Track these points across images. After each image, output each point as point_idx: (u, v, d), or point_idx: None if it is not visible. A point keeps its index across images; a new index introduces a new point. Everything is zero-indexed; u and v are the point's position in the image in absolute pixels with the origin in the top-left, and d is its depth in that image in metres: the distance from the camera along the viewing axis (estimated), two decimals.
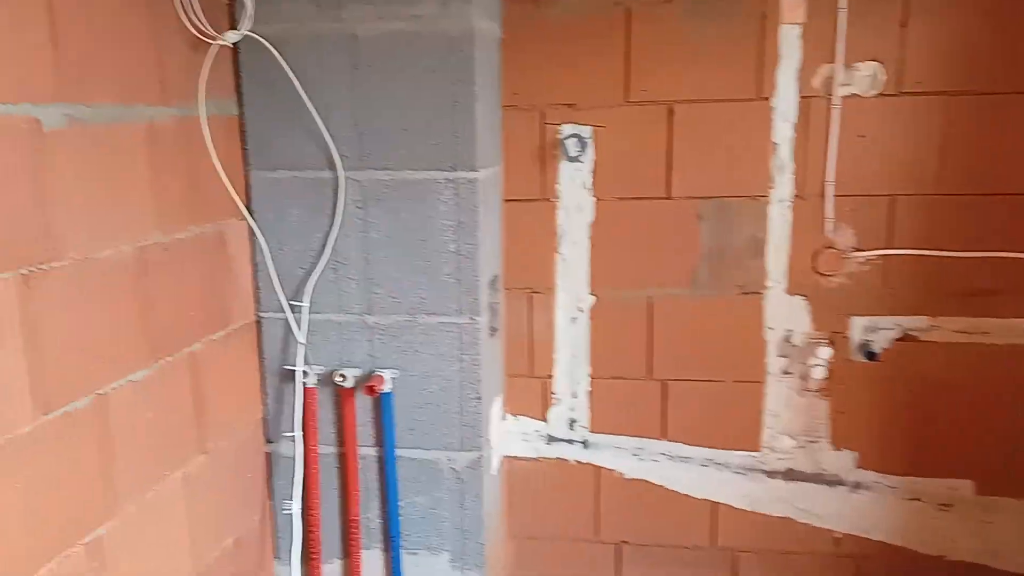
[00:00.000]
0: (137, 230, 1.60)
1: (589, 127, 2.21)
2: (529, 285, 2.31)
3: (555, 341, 2.32)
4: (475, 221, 1.95)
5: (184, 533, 1.76)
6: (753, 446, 2.29)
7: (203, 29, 1.77)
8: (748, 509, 2.32)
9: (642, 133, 2.19)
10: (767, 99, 2.13)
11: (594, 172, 2.23)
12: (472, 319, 1.99)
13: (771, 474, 2.30)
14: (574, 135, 2.21)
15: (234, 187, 1.94)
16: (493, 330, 2.19)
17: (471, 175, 1.93)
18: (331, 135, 1.94)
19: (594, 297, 2.29)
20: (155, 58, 1.66)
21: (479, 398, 2.02)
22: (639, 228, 2.24)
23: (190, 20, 1.74)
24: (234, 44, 1.88)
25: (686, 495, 2.34)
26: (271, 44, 1.89)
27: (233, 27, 1.85)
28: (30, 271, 1.33)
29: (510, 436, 2.36)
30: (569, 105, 2.21)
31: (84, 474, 1.46)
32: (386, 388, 2.00)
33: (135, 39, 1.59)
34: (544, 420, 2.36)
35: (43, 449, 1.36)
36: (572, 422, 2.35)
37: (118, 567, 1.54)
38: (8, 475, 1.29)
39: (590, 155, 2.22)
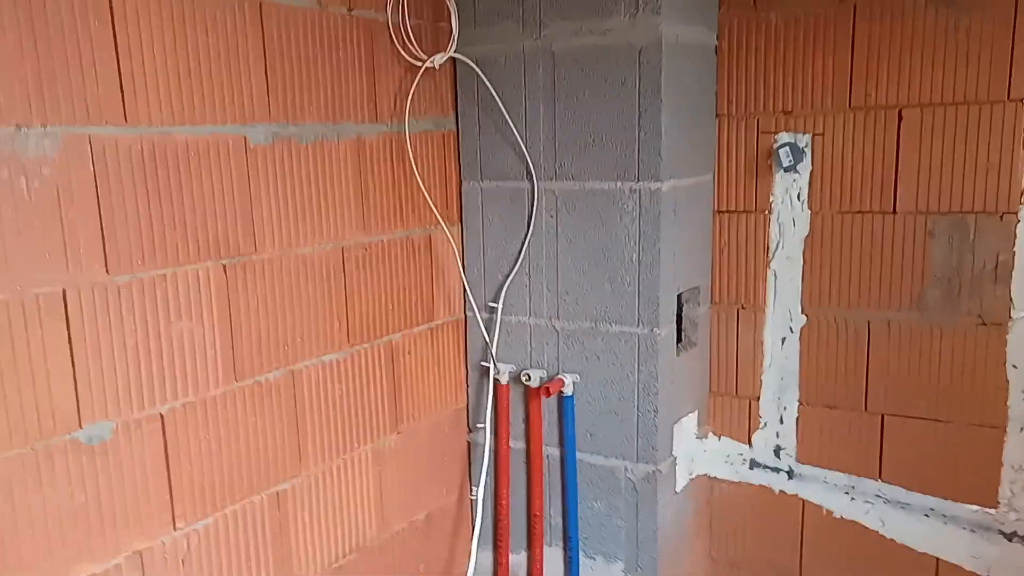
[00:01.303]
0: (339, 232, 1.84)
1: (806, 135, 2.08)
2: (737, 300, 2.22)
3: (763, 361, 2.21)
4: (657, 232, 1.94)
5: (371, 500, 1.98)
6: (989, 501, 1.99)
7: (414, 53, 1.98)
8: (980, 573, 2.02)
9: (865, 141, 2.01)
10: (1022, 101, 1.84)
11: (810, 183, 2.09)
12: (652, 330, 1.98)
13: (1010, 536, 1.97)
14: (789, 144, 2.09)
15: (449, 195, 2.14)
16: (691, 344, 2.15)
17: (654, 186, 1.93)
18: (529, 146, 2.05)
19: (806, 317, 2.14)
20: (367, 80, 1.89)
21: (656, 411, 2.00)
22: (859, 244, 2.05)
23: (403, 45, 1.96)
24: (453, 64, 2.08)
25: (904, 546, 2.09)
26: (478, 64, 2.05)
27: (442, 50, 2.04)
28: (231, 261, 1.61)
29: (711, 455, 2.29)
30: (786, 112, 2.10)
31: (271, 435, 1.72)
32: (567, 391, 2.06)
33: (348, 65, 1.83)
34: (748, 443, 2.26)
35: (233, 410, 1.64)
36: (778, 449, 2.22)
37: (299, 518, 1.79)
38: (200, 427, 1.58)
39: (807, 165, 2.09)
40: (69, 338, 1.34)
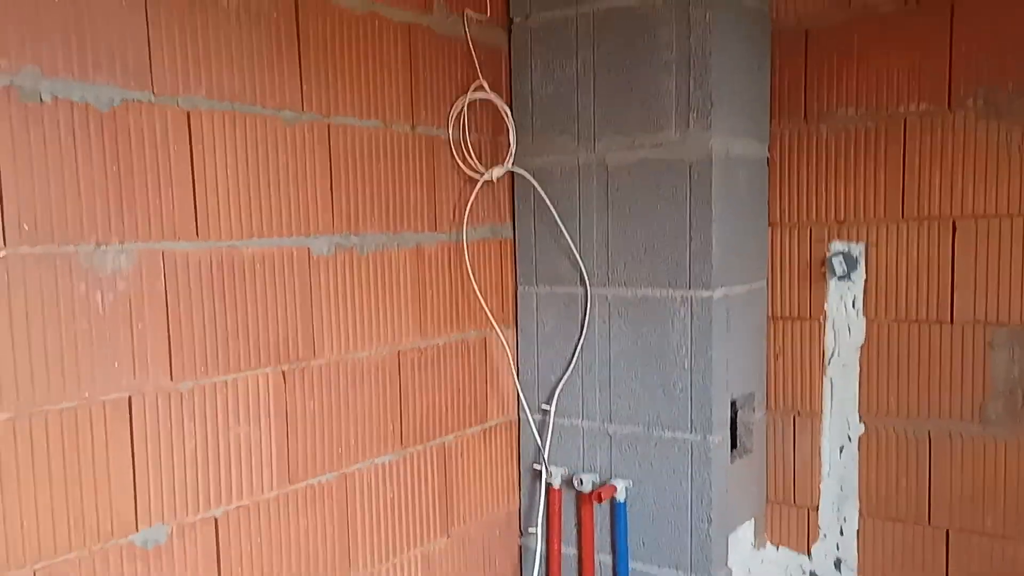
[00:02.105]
0: (396, 336, 1.87)
1: (860, 244, 2.05)
2: (793, 406, 2.16)
3: (821, 470, 2.13)
4: (709, 340, 1.91)
5: None
6: None
7: (473, 166, 2.03)
8: None
9: (919, 250, 1.97)
10: None
11: (865, 291, 2.05)
12: (705, 437, 1.94)
13: None
14: (842, 252, 2.06)
15: (506, 299, 2.16)
16: (746, 451, 2.09)
17: (706, 294, 1.91)
18: (583, 253, 2.07)
19: (864, 425, 2.06)
20: (427, 192, 1.94)
21: (710, 520, 1.94)
22: (916, 353, 1.99)
23: (462, 159, 2.02)
24: (511, 174, 2.13)
25: None
26: (534, 175, 2.10)
27: (501, 163, 2.09)
28: (291, 367, 1.65)
29: (768, 566, 2.19)
30: (839, 221, 2.07)
31: (321, 538, 1.72)
32: (619, 497, 2.02)
33: (409, 178, 1.89)
34: (807, 554, 2.16)
35: (285, 513, 1.64)
36: (838, 562, 2.11)
37: None
38: (252, 531, 1.58)
39: (861, 273, 2.05)
40: (132, 443, 1.37)
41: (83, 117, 1.30)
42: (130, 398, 1.37)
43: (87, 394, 1.31)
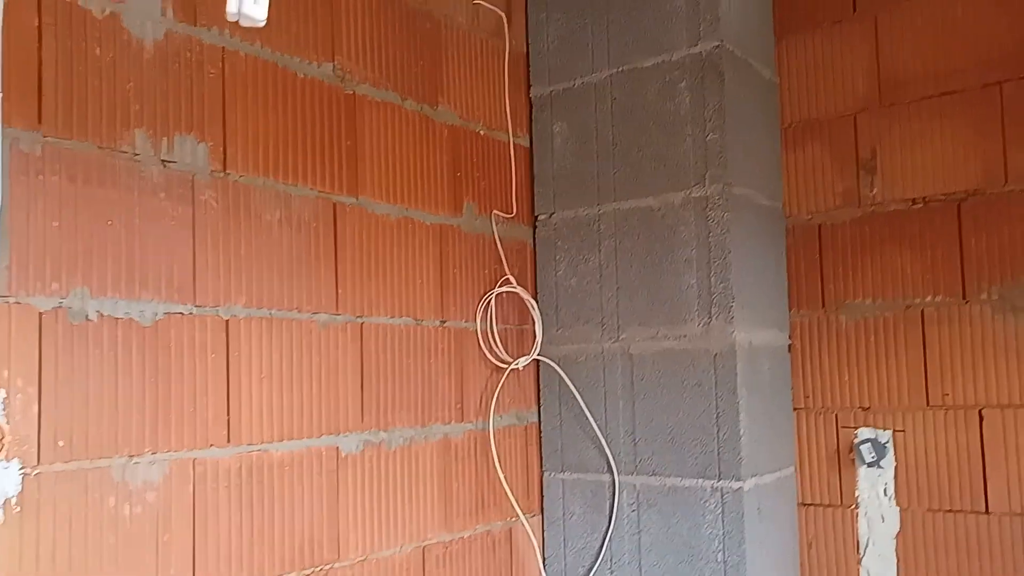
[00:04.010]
0: (421, 531, 1.78)
1: (887, 431, 1.96)
2: None
3: None
4: (741, 531, 1.80)
5: None
6: None
7: (500, 356, 2.01)
8: None
9: (948, 438, 1.88)
10: None
11: (896, 478, 1.94)
12: None
13: None
14: (870, 439, 1.97)
15: (531, 486, 2.07)
16: None
17: (736, 485, 1.82)
18: (609, 441, 2.00)
19: None
20: (455, 384, 1.91)
21: None
22: (954, 544, 1.86)
23: (489, 350, 1.99)
24: (536, 362, 2.09)
25: None
26: (559, 363, 2.06)
27: (527, 352, 2.07)
28: (315, 570, 1.56)
29: None
30: (864, 408, 2.00)
31: None
32: None
33: (438, 371, 1.87)
34: None
35: None
36: None
37: None
38: None
39: (890, 460, 1.95)
40: None
41: (127, 332, 1.30)
42: None
43: None
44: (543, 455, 2.12)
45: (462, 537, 1.88)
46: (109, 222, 1.30)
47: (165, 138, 1.38)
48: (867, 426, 1.99)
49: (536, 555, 2.06)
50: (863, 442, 1.98)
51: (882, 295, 1.99)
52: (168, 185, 1.38)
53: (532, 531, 2.05)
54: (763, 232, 2.02)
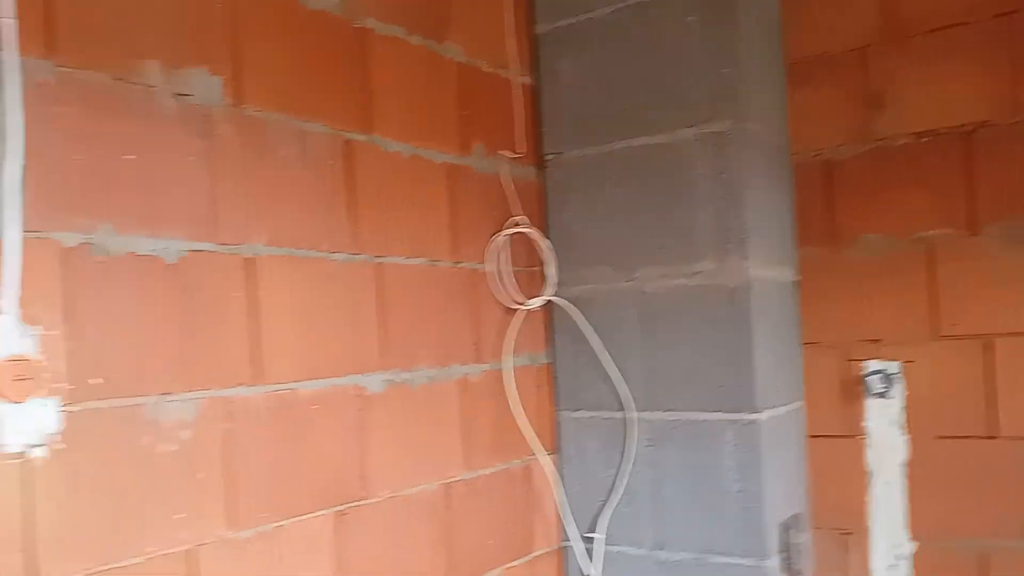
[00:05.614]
0: (444, 469, 1.78)
1: (896, 363, 1.98)
2: (840, 525, 2.05)
3: None
4: (758, 462, 1.82)
5: None
6: None
7: (514, 297, 1.99)
8: None
9: (957, 368, 1.91)
10: None
11: (905, 408, 1.97)
12: (760, 562, 1.82)
13: None
14: (879, 371, 1.99)
15: (544, 426, 2.07)
16: (796, 573, 1.96)
17: (751, 416, 1.83)
18: (624, 379, 2.00)
19: (916, 543, 1.94)
20: (471, 327, 1.89)
21: None
22: (962, 469, 1.89)
23: (503, 292, 1.97)
24: (548, 304, 2.08)
25: None
26: (573, 303, 2.05)
27: (540, 294, 2.05)
28: (345, 507, 1.55)
29: None
30: (873, 341, 2.02)
31: None
32: None
33: (454, 315, 1.84)
34: None
35: None
36: None
37: None
38: None
39: (900, 391, 1.98)
40: None
41: (152, 270, 1.26)
42: (192, 551, 1.27)
43: (151, 548, 1.22)
44: (557, 395, 2.12)
45: (482, 475, 1.88)
46: (128, 156, 1.25)
47: (179, 70, 1.32)
48: (876, 358, 2.01)
49: (552, 491, 2.07)
50: (872, 373, 2.00)
51: (891, 229, 1.99)
52: (184, 118, 1.33)
53: (548, 469, 2.06)
54: (772, 169, 2.01)
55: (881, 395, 1.98)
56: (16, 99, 1.10)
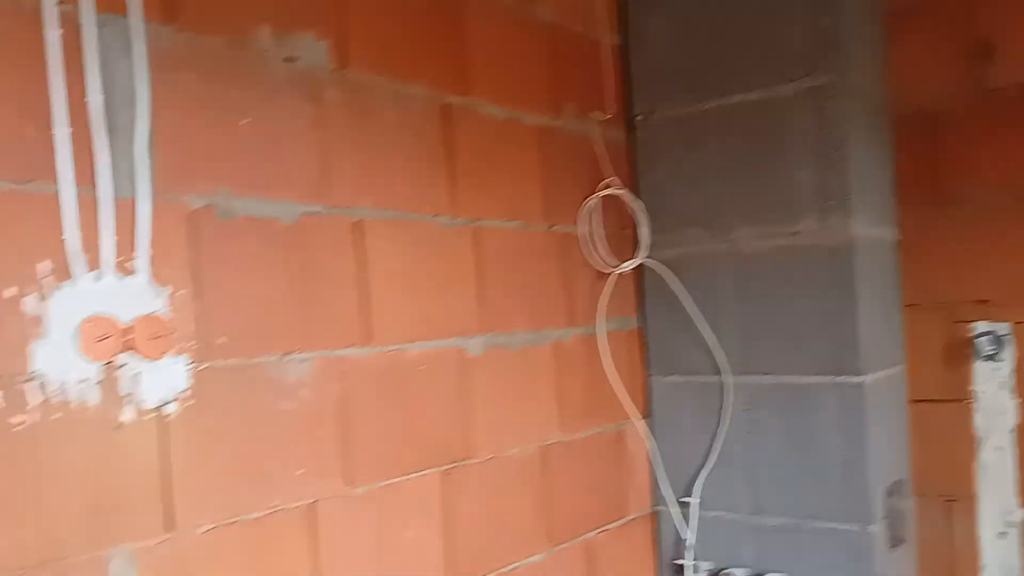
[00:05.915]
0: (541, 432, 1.79)
1: (1007, 324, 1.91)
2: (944, 492, 1.99)
3: (980, 558, 1.94)
4: (863, 427, 1.78)
5: None
6: None
7: (607, 261, 1.97)
8: None
9: None
10: None
11: (1016, 371, 1.90)
12: (863, 528, 1.78)
13: None
14: (988, 332, 1.92)
15: (635, 390, 2.06)
16: (898, 540, 1.92)
17: (856, 379, 1.79)
18: (719, 343, 1.97)
19: None
20: (564, 291, 1.88)
21: None
22: None
23: (595, 255, 1.96)
24: (637, 267, 2.06)
25: None
26: (666, 266, 2.02)
27: (632, 257, 2.03)
28: (451, 467, 1.57)
29: None
30: (982, 302, 1.94)
31: None
32: None
33: (548, 279, 1.84)
34: None
35: None
36: None
37: None
38: None
39: (1010, 353, 1.90)
40: (316, 552, 1.30)
41: (271, 232, 1.28)
42: (312, 505, 1.31)
43: (276, 502, 1.26)
44: (649, 359, 2.10)
45: (577, 439, 1.88)
46: (244, 120, 1.27)
47: (288, 35, 1.34)
48: (985, 319, 1.93)
49: (646, 455, 2.07)
50: (981, 335, 1.93)
51: (1000, 183, 1.91)
52: (292, 83, 1.34)
53: (642, 433, 2.05)
54: (872, 123, 1.94)
55: (991, 357, 1.91)
56: (142, 65, 1.13)
